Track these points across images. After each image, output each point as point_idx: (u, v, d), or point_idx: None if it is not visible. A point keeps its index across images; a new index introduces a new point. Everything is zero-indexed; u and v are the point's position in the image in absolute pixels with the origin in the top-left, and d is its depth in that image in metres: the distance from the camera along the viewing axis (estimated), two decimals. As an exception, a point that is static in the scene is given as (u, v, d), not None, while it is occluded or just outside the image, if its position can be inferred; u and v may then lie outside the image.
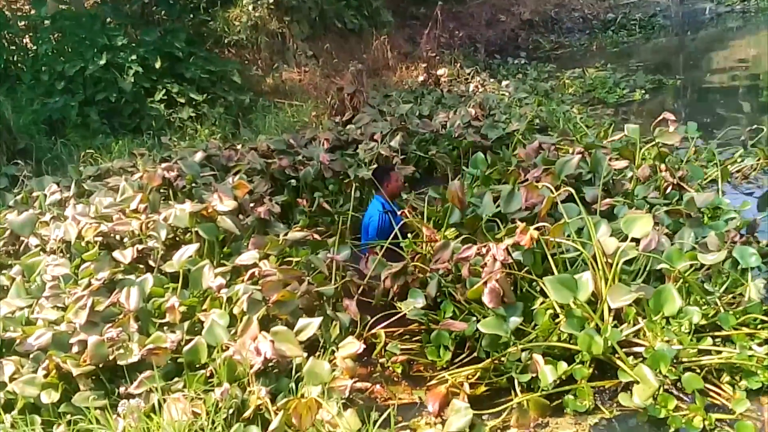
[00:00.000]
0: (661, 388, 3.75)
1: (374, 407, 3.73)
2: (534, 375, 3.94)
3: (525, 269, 4.48)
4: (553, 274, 4.38)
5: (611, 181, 6.05)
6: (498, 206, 5.42)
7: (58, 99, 9.86)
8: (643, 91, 12.38)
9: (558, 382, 3.91)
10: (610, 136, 7.53)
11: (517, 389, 3.95)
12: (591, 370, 3.98)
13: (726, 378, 3.93)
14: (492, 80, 13.85)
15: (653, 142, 6.21)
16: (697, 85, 13.25)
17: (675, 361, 3.89)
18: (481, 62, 15.89)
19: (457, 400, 3.79)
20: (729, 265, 4.55)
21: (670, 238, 4.88)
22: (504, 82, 13.25)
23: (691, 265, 4.48)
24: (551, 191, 4.84)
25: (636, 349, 4.04)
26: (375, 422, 3.45)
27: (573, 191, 4.70)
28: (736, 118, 10.43)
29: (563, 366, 3.94)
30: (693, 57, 16.42)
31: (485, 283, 4.16)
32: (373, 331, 4.53)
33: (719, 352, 3.96)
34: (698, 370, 3.93)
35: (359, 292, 4.99)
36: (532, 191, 5.18)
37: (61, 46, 10.87)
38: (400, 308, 4.61)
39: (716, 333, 4.13)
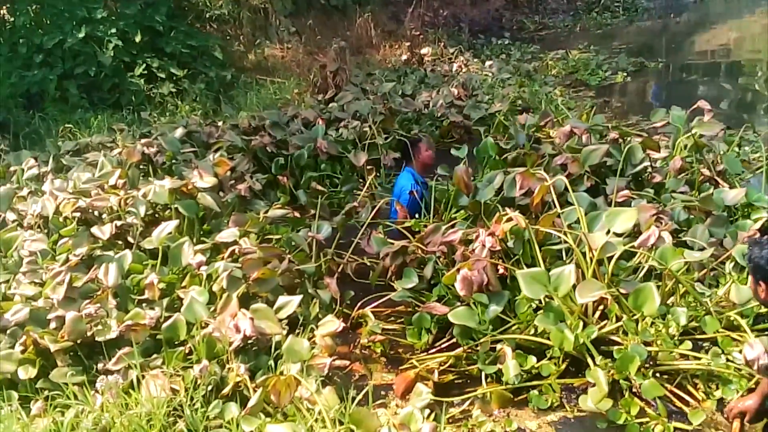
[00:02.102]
0: (627, 392, 3.63)
1: (352, 385, 3.73)
2: (501, 367, 3.83)
3: (515, 258, 4.36)
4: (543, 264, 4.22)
5: (646, 172, 5.64)
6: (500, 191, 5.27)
7: (37, 72, 9.71)
8: (625, 74, 12.43)
9: (528, 376, 3.83)
10: (655, 120, 6.99)
11: (485, 380, 3.87)
12: (563, 366, 3.86)
13: (702, 385, 3.72)
14: (475, 60, 13.83)
15: (691, 132, 5.73)
16: (679, 69, 13.32)
17: (651, 363, 3.74)
18: (464, 42, 15.84)
19: (422, 385, 3.73)
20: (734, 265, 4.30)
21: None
22: (487, 63, 13.24)
23: (701, 265, 4.27)
24: (546, 179, 4.63)
25: (617, 348, 3.84)
26: (353, 399, 3.46)
27: (597, 180, 4.68)
28: (717, 102, 10.53)
29: (532, 360, 3.86)
30: (675, 40, 16.48)
31: (458, 270, 4.09)
32: (361, 310, 4.48)
33: (697, 358, 3.75)
34: (674, 375, 3.76)
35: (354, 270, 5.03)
36: (529, 178, 4.92)
37: (39, 18, 10.68)
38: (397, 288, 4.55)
39: (704, 336, 3.95)
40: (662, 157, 5.99)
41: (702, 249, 4.32)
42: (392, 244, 4.84)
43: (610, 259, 4.02)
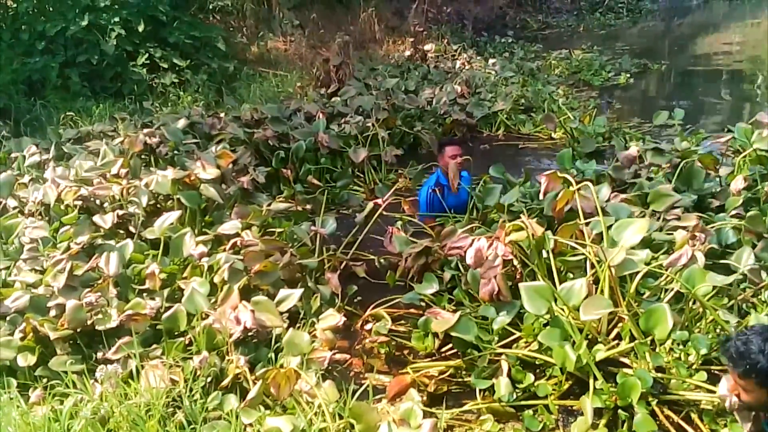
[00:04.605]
0: (627, 421, 3.38)
1: (351, 381, 3.70)
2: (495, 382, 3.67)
3: (530, 268, 4.12)
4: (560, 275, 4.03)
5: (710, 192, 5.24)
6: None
7: (39, 59, 9.66)
8: (629, 75, 12.41)
9: (526, 394, 3.66)
10: (657, 122, 7.03)
11: (480, 394, 3.72)
12: (566, 386, 3.67)
13: (709, 420, 3.41)
14: (479, 58, 13.82)
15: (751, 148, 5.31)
16: (682, 71, 13.32)
17: (660, 391, 3.51)
18: (468, 39, 15.82)
19: (415, 391, 3.59)
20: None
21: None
22: (491, 60, 13.22)
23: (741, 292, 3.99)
24: (571, 183, 4.22)
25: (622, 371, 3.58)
26: (353, 393, 3.44)
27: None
28: (720, 105, 10.55)
29: (530, 378, 3.69)
30: (679, 43, 16.47)
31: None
32: (375, 310, 4.41)
33: (711, 391, 3.40)
34: (683, 406, 3.50)
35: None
36: (554, 180, 4.42)
37: (42, 5, 10.65)
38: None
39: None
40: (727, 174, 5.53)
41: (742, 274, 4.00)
42: (415, 243, 4.73)
43: (635, 276, 3.81)
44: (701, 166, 5.37)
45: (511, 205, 5.16)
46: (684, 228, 4.09)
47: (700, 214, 4.78)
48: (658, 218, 4.67)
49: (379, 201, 5.28)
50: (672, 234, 4.23)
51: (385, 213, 5.36)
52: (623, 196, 4.98)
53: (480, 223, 5.18)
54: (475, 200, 5.49)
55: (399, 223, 5.24)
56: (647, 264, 3.87)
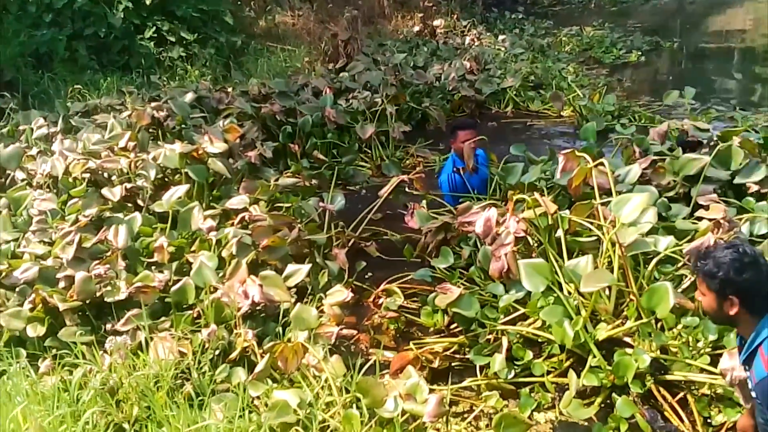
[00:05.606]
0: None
1: (359, 355, 3.71)
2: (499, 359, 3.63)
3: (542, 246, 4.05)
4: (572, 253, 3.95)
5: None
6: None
7: (46, 32, 9.62)
8: (640, 53, 12.31)
9: (526, 372, 3.66)
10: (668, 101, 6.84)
11: (479, 371, 3.71)
12: (567, 364, 3.65)
13: (699, 405, 3.37)
14: (488, 34, 13.72)
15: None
16: (694, 49, 13.18)
17: (661, 371, 3.49)
18: (478, 15, 15.71)
19: (412, 368, 3.53)
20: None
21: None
22: (500, 37, 13.12)
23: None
24: (588, 161, 4.11)
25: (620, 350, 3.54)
26: (360, 368, 3.45)
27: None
28: (732, 84, 10.45)
29: (529, 355, 3.69)
30: (691, 21, 16.28)
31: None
32: (389, 285, 4.39)
33: (714, 374, 3.31)
34: (683, 388, 3.47)
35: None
36: (572, 159, 4.27)
37: (49, -23, 10.58)
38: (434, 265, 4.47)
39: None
40: None
41: None
42: (436, 218, 4.69)
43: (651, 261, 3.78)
44: (740, 147, 4.87)
45: (534, 183, 5.06)
46: (710, 219, 3.87)
47: (734, 201, 4.56)
48: (689, 203, 4.46)
49: (404, 177, 5.20)
50: (697, 223, 4.05)
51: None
52: (653, 158, 4.83)
53: (502, 202, 5.04)
54: (498, 179, 5.35)
55: (424, 201, 5.15)
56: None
